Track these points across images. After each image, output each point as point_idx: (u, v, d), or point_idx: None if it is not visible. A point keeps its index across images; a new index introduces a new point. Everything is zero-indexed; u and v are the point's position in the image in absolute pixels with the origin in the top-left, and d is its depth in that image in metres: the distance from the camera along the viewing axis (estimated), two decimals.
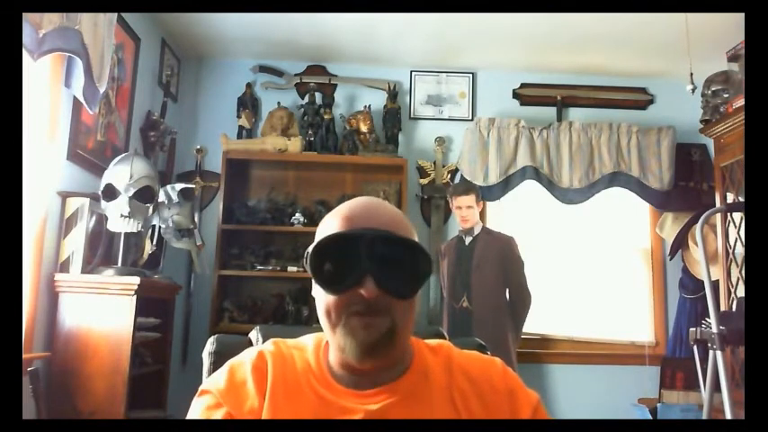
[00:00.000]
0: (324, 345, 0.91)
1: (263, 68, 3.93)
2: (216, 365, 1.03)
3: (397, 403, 0.84)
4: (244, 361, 0.89)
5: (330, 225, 0.86)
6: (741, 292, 3.00)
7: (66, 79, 2.46)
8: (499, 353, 0.99)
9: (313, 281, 0.84)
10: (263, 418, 0.84)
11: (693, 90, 2.74)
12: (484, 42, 3.62)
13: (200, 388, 0.88)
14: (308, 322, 3.54)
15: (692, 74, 2.76)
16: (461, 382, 0.88)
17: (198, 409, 0.85)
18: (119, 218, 2.51)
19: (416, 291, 0.83)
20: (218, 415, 0.83)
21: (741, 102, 2.99)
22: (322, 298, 0.83)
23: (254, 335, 1.12)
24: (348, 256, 0.80)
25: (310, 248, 0.84)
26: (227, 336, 1.14)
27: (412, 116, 3.97)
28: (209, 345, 1.09)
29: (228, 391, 0.85)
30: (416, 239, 0.86)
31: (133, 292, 2.43)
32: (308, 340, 0.94)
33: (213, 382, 0.88)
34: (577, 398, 3.65)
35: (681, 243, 3.57)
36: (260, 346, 0.94)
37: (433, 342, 0.94)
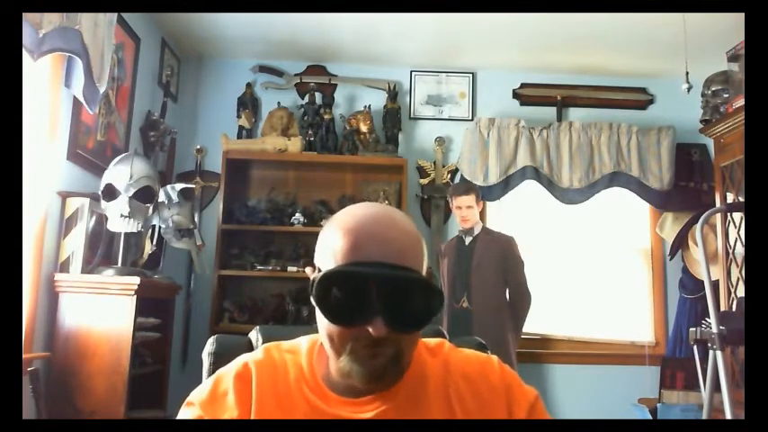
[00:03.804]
0: (318, 348, 0.90)
1: (263, 68, 3.93)
2: (215, 366, 1.03)
3: (392, 410, 0.82)
4: (229, 371, 0.88)
5: (338, 244, 0.80)
6: (741, 292, 2.99)
7: (67, 79, 2.46)
8: (499, 353, 0.99)
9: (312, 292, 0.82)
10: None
11: (688, 89, 2.75)
12: (484, 42, 3.62)
13: (187, 399, 0.88)
14: (308, 322, 3.53)
15: (687, 73, 2.77)
16: (458, 381, 0.87)
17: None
18: (119, 218, 2.51)
19: (425, 325, 0.81)
20: None
21: (741, 102, 2.99)
22: (325, 323, 0.80)
23: (254, 335, 1.12)
24: (358, 293, 0.77)
25: (316, 277, 0.80)
26: (226, 336, 1.13)
27: (412, 116, 3.97)
28: (209, 345, 1.08)
29: (209, 402, 0.85)
30: (426, 257, 0.84)
31: (133, 292, 2.43)
32: (302, 343, 0.92)
33: (198, 392, 0.88)
34: (577, 398, 3.65)
35: (681, 243, 3.57)
36: (248, 355, 0.92)
37: (432, 342, 0.93)
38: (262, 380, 0.86)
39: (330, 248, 0.81)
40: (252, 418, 0.83)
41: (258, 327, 1.14)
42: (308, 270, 0.86)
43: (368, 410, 0.82)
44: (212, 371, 1.03)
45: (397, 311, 0.77)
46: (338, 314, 0.78)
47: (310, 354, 0.90)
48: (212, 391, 0.86)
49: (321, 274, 0.79)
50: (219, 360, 1.03)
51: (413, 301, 0.78)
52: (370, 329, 0.76)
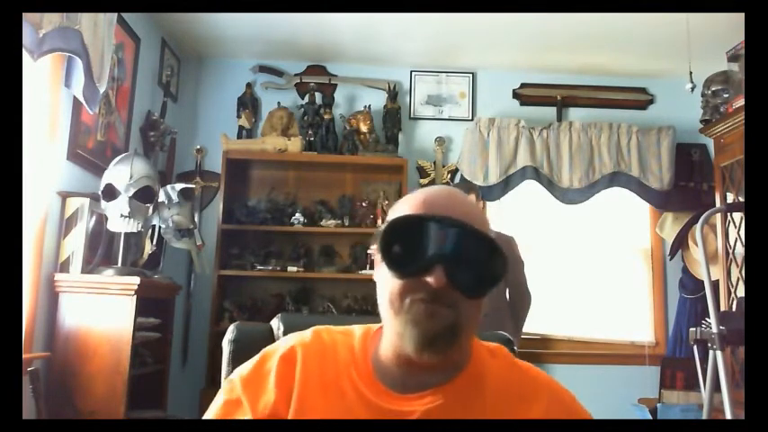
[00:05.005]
0: (372, 336, 0.87)
1: (263, 68, 3.93)
2: (235, 353, 1.03)
3: (440, 408, 0.79)
4: (275, 350, 0.87)
5: (406, 206, 0.82)
6: (741, 292, 3.00)
7: (66, 79, 2.46)
8: None
9: (377, 263, 0.81)
10: (291, 411, 0.81)
11: (693, 89, 2.74)
12: (484, 42, 3.62)
13: (230, 376, 0.87)
14: None
15: (691, 72, 2.76)
16: (515, 391, 0.84)
17: (219, 400, 0.85)
18: (119, 218, 2.51)
19: (486, 292, 0.79)
20: (236, 412, 0.82)
21: (741, 102, 2.99)
22: (386, 283, 0.79)
23: (276, 323, 1.11)
24: (421, 241, 0.76)
25: (383, 226, 0.80)
26: (247, 323, 1.12)
27: (412, 116, 3.97)
28: (230, 333, 1.07)
29: (250, 381, 0.84)
30: (490, 232, 0.83)
31: (133, 292, 2.43)
32: (356, 328, 0.90)
33: (242, 369, 0.87)
34: (577, 398, 3.64)
35: (681, 243, 3.57)
36: (296, 336, 0.90)
37: (491, 344, 0.91)
38: (307, 365, 0.84)
39: (397, 211, 0.83)
40: (293, 404, 0.81)
41: (280, 315, 1.13)
42: (372, 249, 0.85)
43: (416, 406, 0.79)
44: (233, 358, 1.03)
45: (458, 263, 0.76)
46: (399, 262, 0.77)
47: (363, 339, 0.87)
48: (255, 368, 0.85)
49: (386, 223, 0.80)
50: (239, 348, 1.03)
51: (475, 256, 0.77)
52: (430, 279, 0.75)
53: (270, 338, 1.08)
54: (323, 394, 0.82)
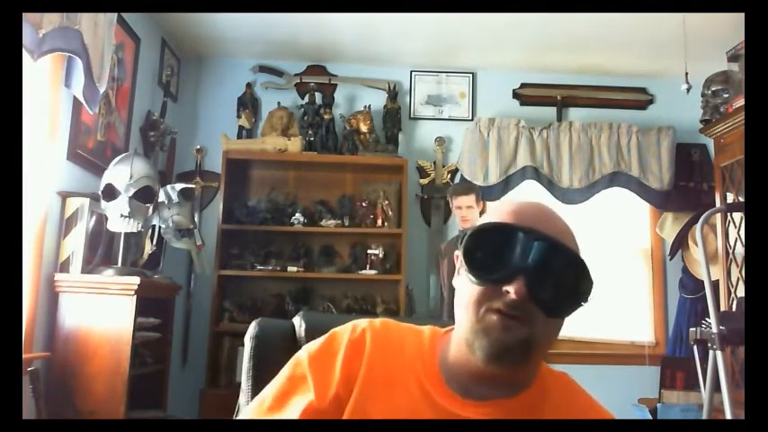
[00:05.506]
0: (440, 337, 0.86)
1: (263, 68, 3.93)
2: (257, 349, 1.03)
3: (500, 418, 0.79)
4: (344, 332, 0.86)
5: (494, 215, 0.81)
6: (741, 292, 3.00)
7: (66, 79, 2.46)
8: None
9: (458, 269, 0.80)
10: (353, 400, 0.80)
11: (688, 90, 2.75)
12: (484, 42, 3.62)
13: (297, 354, 0.86)
14: None
15: (686, 73, 2.77)
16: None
17: (282, 376, 0.84)
18: (119, 218, 2.51)
19: (567, 312, 0.78)
20: (299, 389, 0.81)
21: (741, 102, 2.99)
22: (465, 289, 0.78)
23: (298, 321, 1.11)
24: (505, 249, 0.75)
25: (468, 230, 0.79)
26: (269, 320, 1.10)
27: (412, 116, 3.97)
28: (252, 329, 1.06)
29: (317, 359, 0.83)
30: (579, 251, 0.81)
31: (133, 292, 2.43)
32: (424, 328, 0.89)
33: (309, 346, 0.86)
34: None
35: (681, 243, 3.57)
36: (364, 321, 0.88)
37: (555, 370, 0.90)
38: (375, 353, 0.83)
39: (486, 219, 0.82)
40: (356, 390, 0.80)
41: (302, 312, 1.12)
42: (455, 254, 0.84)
43: (473, 414, 0.78)
44: (254, 354, 1.03)
45: (540, 277, 0.74)
46: (481, 267, 0.76)
47: (432, 339, 0.86)
48: (324, 346, 0.84)
49: (472, 228, 0.79)
50: (261, 344, 1.02)
51: (560, 273, 0.76)
52: (510, 289, 0.73)
53: (292, 336, 1.07)
54: (388, 387, 0.81)
